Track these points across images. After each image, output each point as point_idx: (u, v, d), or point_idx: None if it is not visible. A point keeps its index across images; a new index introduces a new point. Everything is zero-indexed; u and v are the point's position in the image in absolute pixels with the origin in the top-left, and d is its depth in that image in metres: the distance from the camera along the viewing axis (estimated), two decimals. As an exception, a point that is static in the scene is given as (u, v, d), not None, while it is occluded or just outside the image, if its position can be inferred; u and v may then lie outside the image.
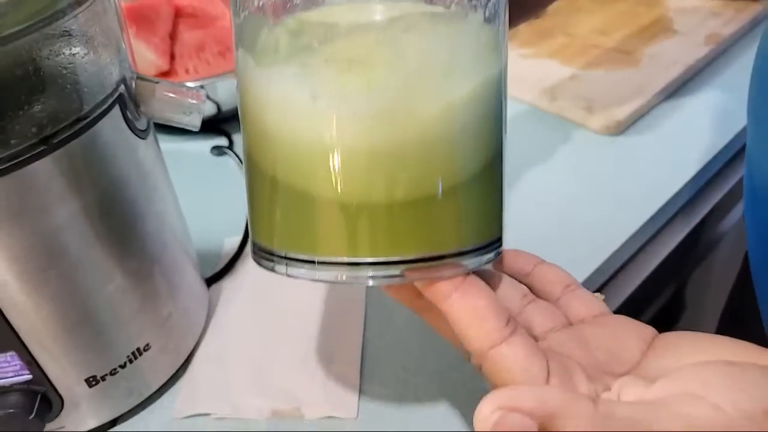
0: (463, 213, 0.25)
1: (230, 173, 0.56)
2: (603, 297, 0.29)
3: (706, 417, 0.19)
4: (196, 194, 0.44)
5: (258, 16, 0.24)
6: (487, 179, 0.26)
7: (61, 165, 0.27)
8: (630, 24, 0.70)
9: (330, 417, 0.35)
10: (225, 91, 0.59)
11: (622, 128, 0.56)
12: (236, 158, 0.57)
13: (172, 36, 0.66)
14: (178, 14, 0.68)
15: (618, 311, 0.46)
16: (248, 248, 0.47)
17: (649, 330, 0.25)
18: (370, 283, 0.24)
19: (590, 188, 0.50)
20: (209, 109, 0.59)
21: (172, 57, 0.65)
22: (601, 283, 0.47)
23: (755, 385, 0.20)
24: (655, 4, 0.74)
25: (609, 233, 0.46)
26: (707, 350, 0.23)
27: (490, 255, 0.26)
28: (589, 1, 0.76)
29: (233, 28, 0.25)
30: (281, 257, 0.25)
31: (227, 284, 0.44)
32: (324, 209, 0.24)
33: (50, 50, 0.26)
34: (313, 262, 0.24)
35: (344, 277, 0.24)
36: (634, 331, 0.25)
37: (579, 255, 0.44)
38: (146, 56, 0.61)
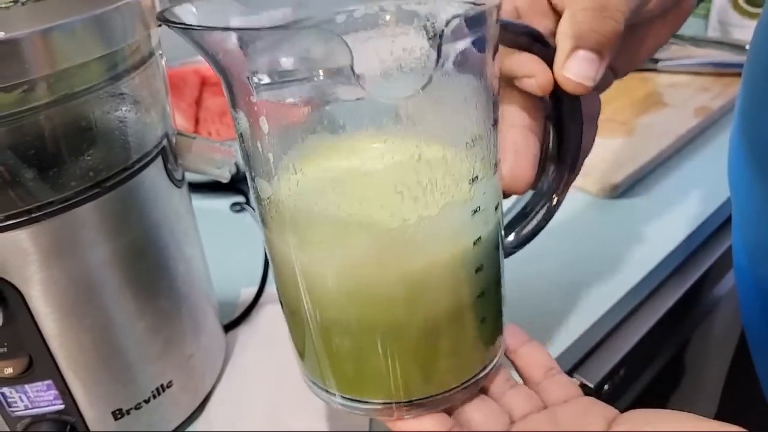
0: (480, 343, 0.29)
1: (247, 228, 0.59)
2: (578, 382, 0.33)
3: None
4: (216, 247, 0.47)
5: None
6: (478, 317, 0.29)
7: (109, 207, 0.30)
8: (624, 97, 0.75)
9: (341, 456, 0.36)
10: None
11: (618, 192, 0.60)
12: (253, 214, 0.60)
13: (198, 102, 0.71)
14: (203, 83, 0.73)
15: (615, 371, 0.48)
16: (263, 298, 0.49)
17: (612, 411, 0.28)
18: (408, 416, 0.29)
19: (586, 248, 0.53)
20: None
21: (197, 121, 0.70)
22: (596, 341, 0.49)
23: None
24: (646, 80, 0.79)
25: (603, 292, 0.48)
26: (663, 424, 0.26)
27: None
28: (585, 76, 0.81)
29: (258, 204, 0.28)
30: (334, 394, 0.30)
31: (243, 331, 0.46)
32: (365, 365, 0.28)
33: (108, 107, 0.29)
34: (365, 402, 0.29)
35: (395, 415, 0.29)
36: (599, 412, 0.28)
37: (573, 314, 0.46)
38: (174, 120, 0.66)
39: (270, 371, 0.42)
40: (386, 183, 0.24)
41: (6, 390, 0.31)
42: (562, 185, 0.34)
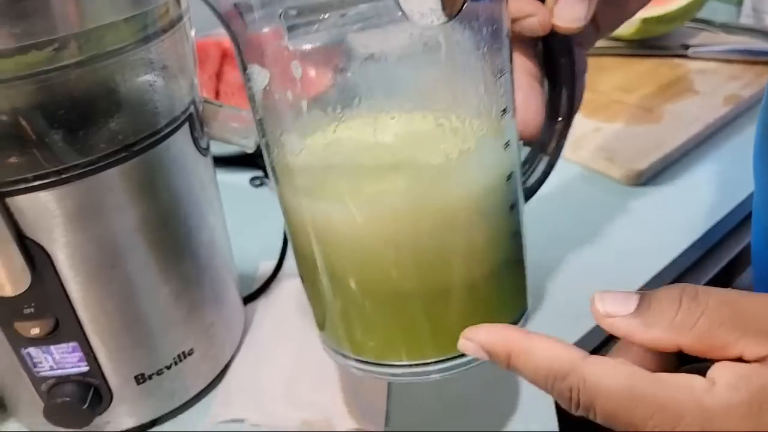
0: (500, 296, 0.28)
1: (266, 202, 0.59)
2: None
3: None
4: (236, 221, 0.47)
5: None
6: (511, 260, 0.28)
7: (135, 172, 0.30)
8: (651, 83, 0.74)
9: (358, 430, 0.36)
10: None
11: (642, 179, 0.59)
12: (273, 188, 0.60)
13: (218, 75, 0.71)
14: (224, 55, 0.72)
15: None
16: (282, 272, 0.49)
17: None
18: (437, 377, 0.28)
19: (607, 234, 0.52)
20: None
21: (217, 94, 0.70)
22: (606, 336, 0.49)
23: None
24: (676, 66, 0.78)
25: (623, 280, 0.48)
26: None
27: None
28: (612, 61, 0.80)
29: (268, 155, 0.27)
30: (351, 358, 0.29)
31: (261, 304, 0.46)
32: (382, 320, 0.27)
33: (137, 70, 0.29)
34: (383, 365, 0.28)
35: (412, 378, 0.28)
36: None
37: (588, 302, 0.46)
38: (197, 91, 0.65)
39: (288, 343, 0.43)
40: (428, 117, 0.24)
41: (32, 350, 0.31)
42: (558, 136, 0.35)
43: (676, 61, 0.79)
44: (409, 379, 0.28)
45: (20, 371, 0.32)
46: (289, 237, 0.29)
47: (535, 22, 0.30)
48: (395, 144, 0.24)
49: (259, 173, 0.63)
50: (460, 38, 0.23)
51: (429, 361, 0.28)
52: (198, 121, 0.34)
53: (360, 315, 0.28)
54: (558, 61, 0.33)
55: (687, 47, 0.79)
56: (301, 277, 0.30)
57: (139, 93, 0.30)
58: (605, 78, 0.76)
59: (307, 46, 0.23)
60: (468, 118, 0.24)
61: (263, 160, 0.67)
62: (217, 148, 0.61)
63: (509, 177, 0.27)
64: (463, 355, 0.28)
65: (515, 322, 0.30)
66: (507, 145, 0.26)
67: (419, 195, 0.24)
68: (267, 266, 0.50)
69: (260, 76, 0.24)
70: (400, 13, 0.22)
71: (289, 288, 0.48)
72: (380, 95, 0.24)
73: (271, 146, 0.26)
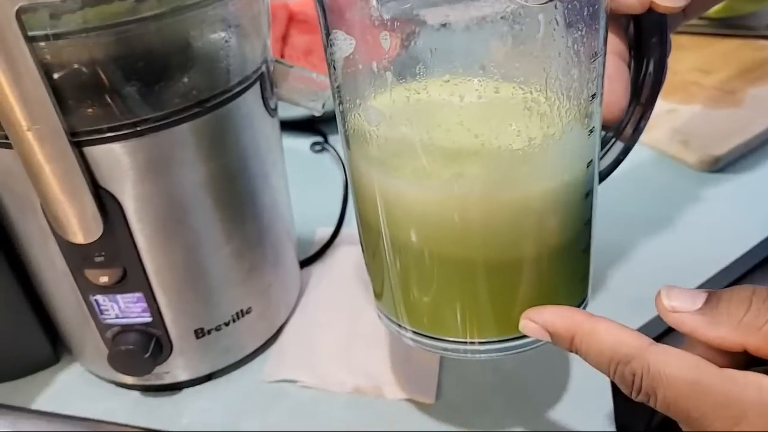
0: (564, 283, 0.28)
1: (326, 169, 0.59)
2: None
3: None
4: (295, 185, 0.47)
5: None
6: (580, 247, 0.28)
7: (206, 128, 0.30)
8: (733, 65, 0.70)
9: (409, 400, 0.36)
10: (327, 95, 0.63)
11: (719, 165, 0.56)
12: (334, 154, 0.60)
13: (284, 38, 0.71)
14: (291, 19, 0.72)
15: None
16: (339, 239, 0.49)
17: None
18: (492, 356, 0.29)
19: (679, 221, 0.50)
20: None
21: (282, 57, 0.69)
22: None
23: None
24: (761, 48, 0.73)
25: (693, 267, 0.46)
26: None
27: None
28: (690, 39, 0.76)
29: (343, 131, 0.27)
30: (407, 329, 0.29)
31: (318, 268, 0.47)
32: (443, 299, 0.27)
33: (213, 27, 0.29)
34: (437, 339, 0.28)
35: (465, 355, 0.28)
36: None
37: (660, 284, 0.44)
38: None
39: (342, 308, 0.43)
40: (515, 99, 0.23)
41: (100, 297, 0.32)
42: (637, 121, 0.33)
43: (761, 42, 0.74)
44: (462, 356, 0.29)
45: (88, 317, 0.33)
46: (354, 204, 0.29)
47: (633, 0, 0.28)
48: (478, 126, 0.23)
49: (320, 139, 0.63)
50: (559, 17, 0.22)
51: (485, 340, 0.28)
52: (268, 82, 0.34)
53: (421, 287, 0.28)
54: (649, 41, 0.31)
55: (775, 28, 0.74)
56: (362, 245, 0.30)
57: (213, 50, 0.29)
58: (683, 57, 0.72)
59: (398, 16, 0.22)
60: (557, 102, 0.23)
61: (325, 125, 0.67)
62: (280, 112, 0.62)
63: (589, 164, 0.26)
64: (519, 338, 0.28)
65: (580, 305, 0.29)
66: (591, 131, 0.25)
67: (496, 180, 0.24)
68: (325, 232, 0.50)
69: (345, 44, 0.24)
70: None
71: (345, 254, 0.48)
72: (469, 73, 0.23)
73: (348, 114, 0.26)
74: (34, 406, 0.37)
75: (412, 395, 0.36)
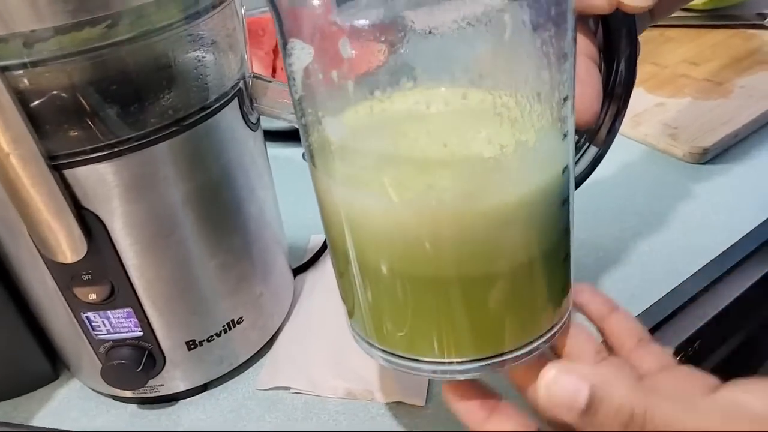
0: (544, 297, 0.27)
1: (319, 177, 0.60)
2: (672, 350, 0.30)
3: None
4: (289, 194, 0.48)
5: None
6: (559, 257, 0.27)
7: (186, 145, 0.31)
8: (722, 55, 0.70)
9: (399, 402, 0.37)
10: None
11: (707, 157, 0.56)
12: (325, 164, 0.61)
13: (275, 51, 0.72)
14: (281, 31, 0.73)
15: (689, 342, 0.45)
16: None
17: (713, 381, 0.26)
18: (460, 377, 0.27)
19: (668, 213, 0.50)
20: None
21: (274, 69, 0.70)
22: (672, 310, 0.47)
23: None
24: (750, 37, 0.73)
25: (684, 259, 0.46)
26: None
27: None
28: (679, 32, 0.76)
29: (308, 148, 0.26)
30: (378, 348, 0.29)
31: (311, 276, 0.47)
32: (411, 317, 0.26)
33: (186, 46, 0.30)
34: (411, 359, 0.27)
35: (438, 375, 0.27)
36: (699, 381, 0.26)
37: (649, 280, 0.44)
38: (252, 66, 0.66)
39: (334, 314, 0.43)
40: (485, 105, 0.22)
41: (90, 314, 0.33)
42: (614, 121, 0.33)
43: (751, 32, 0.74)
44: (441, 376, 0.28)
45: (81, 334, 0.34)
46: (322, 222, 0.28)
47: (602, 1, 0.28)
48: (446, 135, 0.22)
49: (312, 148, 0.64)
50: (526, 18, 0.22)
51: (463, 359, 0.27)
52: (247, 97, 0.35)
53: (392, 307, 0.27)
54: (618, 42, 0.31)
55: (764, 17, 0.74)
56: (333, 265, 0.30)
57: (188, 68, 0.30)
58: (671, 50, 0.72)
59: (357, 23, 0.21)
60: (528, 106, 0.22)
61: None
62: (271, 123, 0.62)
63: (564, 170, 0.25)
64: (498, 354, 0.27)
65: (557, 324, 0.28)
66: (565, 135, 0.24)
67: (468, 191, 0.23)
68: (318, 239, 0.51)
69: (302, 53, 0.23)
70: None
71: (338, 262, 0.48)
72: (433, 79, 0.22)
73: (310, 128, 0.25)
74: (35, 423, 0.38)
75: (403, 398, 0.37)
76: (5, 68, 0.24)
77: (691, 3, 0.76)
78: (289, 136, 0.65)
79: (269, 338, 0.41)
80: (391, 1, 0.22)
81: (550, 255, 0.26)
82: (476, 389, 0.28)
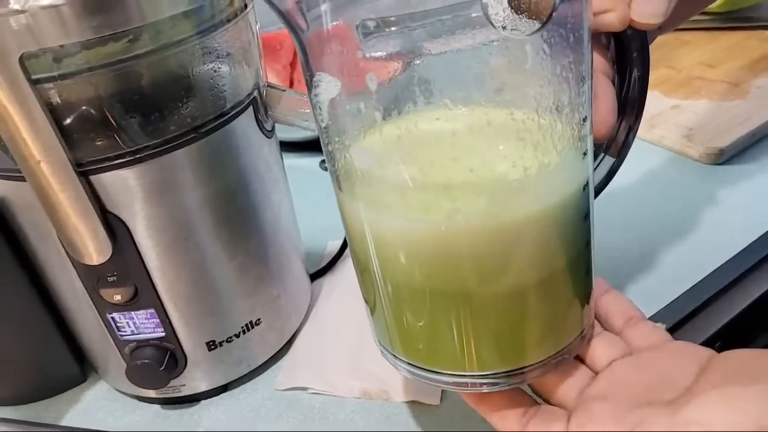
0: (566, 312, 0.28)
1: (336, 185, 0.61)
2: (665, 326, 0.31)
3: None
4: (306, 201, 0.49)
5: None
6: (581, 271, 0.28)
7: (205, 151, 0.32)
8: (739, 57, 0.70)
9: (414, 402, 0.38)
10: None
11: (723, 157, 0.56)
12: (342, 172, 0.62)
13: (292, 65, 0.74)
14: (298, 45, 0.75)
15: (709, 343, 0.45)
16: (348, 251, 0.51)
17: (706, 352, 0.26)
18: (485, 390, 0.28)
19: (685, 214, 0.50)
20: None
21: (291, 83, 0.72)
22: (690, 311, 0.47)
23: (751, 405, 0.21)
24: (767, 39, 0.73)
25: (700, 259, 0.46)
26: (754, 368, 0.24)
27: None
28: (695, 35, 0.76)
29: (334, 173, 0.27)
30: (403, 361, 0.30)
31: (328, 280, 0.48)
32: (436, 333, 0.27)
33: (203, 58, 0.31)
34: (434, 372, 0.29)
35: (460, 388, 0.28)
36: (690, 356, 0.27)
37: (669, 278, 0.45)
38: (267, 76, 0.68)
39: (351, 317, 0.44)
40: (508, 131, 0.23)
41: (116, 315, 0.34)
42: (626, 135, 0.33)
43: (767, 33, 0.74)
44: (463, 389, 0.28)
45: (107, 335, 0.36)
46: (349, 244, 0.29)
47: (613, 18, 0.29)
48: (472, 160, 0.23)
49: (329, 157, 0.65)
50: (546, 47, 0.22)
51: (486, 372, 0.28)
52: (262, 105, 0.36)
53: (414, 322, 0.27)
54: (630, 56, 0.32)
55: (780, 17, 0.74)
56: (359, 279, 0.31)
57: (205, 79, 0.32)
58: (687, 53, 0.72)
59: (383, 55, 0.22)
60: (550, 129, 0.23)
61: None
62: (288, 134, 0.64)
63: (584, 187, 0.26)
64: (521, 368, 0.28)
65: (579, 336, 0.29)
66: (585, 154, 0.25)
67: (493, 213, 0.23)
68: (334, 245, 0.52)
69: (330, 85, 0.24)
70: (483, 22, 0.21)
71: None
72: (460, 107, 0.23)
73: (337, 155, 0.26)
74: (64, 423, 0.39)
75: (417, 397, 0.38)
76: (37, 81, 0.26)
77: (708, 7, 0.76)
78: (306, 147, 0.67)
79: (287, 340, 0.42)
80: (415, 33, 0.22)
81: (572, 269, 0.27)
82: (507, 397, 0.29)
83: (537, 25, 0.21)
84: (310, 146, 0.67)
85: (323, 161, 0.64)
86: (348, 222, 0.28)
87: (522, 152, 0.23)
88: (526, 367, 0.28)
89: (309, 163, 0.65)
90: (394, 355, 0.30)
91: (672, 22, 0.34)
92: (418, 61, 0.23)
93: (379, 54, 0.22)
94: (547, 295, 0.26)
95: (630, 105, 0.33)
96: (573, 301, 0.28)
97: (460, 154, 0.23)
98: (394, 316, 0.28)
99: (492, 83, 0.23)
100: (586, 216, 0.26)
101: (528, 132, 0.23)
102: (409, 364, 0.29)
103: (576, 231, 0.26)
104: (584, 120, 0.25)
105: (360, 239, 0.27)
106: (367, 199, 0.25)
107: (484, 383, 0.28)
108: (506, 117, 0.23)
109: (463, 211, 0.23)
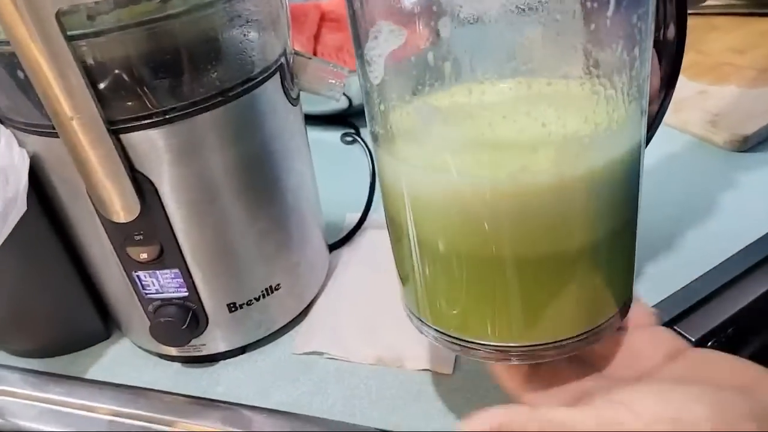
0: (610, 279, 0.27)
1: (356, 158, 0.61)
2: (654, 311, 0.31)
3: (621, 420, 0.22)
4: (327, 174, 0.49)
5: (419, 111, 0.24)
6: (632, 230, 0.27)
7: (232, 115, 0.33)
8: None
9: (427, 370, 0.38)
10: (357, 88, 0.66)
11: (748, 145, 0.55)
12: (363, 146, 0.62)
13: (316, 36, 0.74)
14: (322, 18, 0.75)
15: (722, 328, 0.45)
16: (366, 224, 0.52)
17: (682, 344, 0.27)
18: (515, 362, 0.28)
19: (706, 199, 0.50)
20: (342, 103, 0.65)
21: (314, 55, 0.72)
22: (706, 294, 0.47)
23: (682, 398, 0.22)
24: (800, 25, 0.71)
25: (719, 245, 0.46)
26: (713, 371, 0.25)
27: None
28: (725, 20, 0.74)
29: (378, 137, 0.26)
30: (431, 326, 0.29)
31: (346, 251, 0.49)
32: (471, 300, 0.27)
33: (231, 23, 0.32)
34: (459, 338, 0.28)
35: (488, 357, 0.28)
36: (663, 342, 0.27)
37: (686, 262, 0.45)
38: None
39: (367, 288, 0.45)
40: (584, 85, 0.22)
41: (141, 273, 0.35)
42: (664, 98, 0.33)
43: (800, 19, 0.72)
44: (489, 358, 0.28)
45: (132, 293, 0.37)
46: (387, 211, 0.28)
47: None
48: (545, 115, 0.22)
49: (351, 130, 0.65)
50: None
51: (512, 344, 0.27)
52: (288, 72, 0.37)
53: (448, 287, 0.27)
54: (668, 24, 0.32)
55: (814, 4, 0.72)
56: (393, 247, 0.30)
57: (234, 43, 0.32)
58: (716, 38, 0.71)
59: (459, 3, 0.21)
60: (620, 84, 0.23)
61: (355, 118, 0.68)
62: (311, 107, 0.64)
63: (640, 145, 0.25)
64: (551, 344, 0.27)
65: (618, 310, 0.28)
66: (643, 111, 0.25)
67: (562, 169, 0.23)
68: (353, 217, 0.52)
69: (392, 36, 0.23)
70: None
71: (372, 238, 0.50)
72: (530, 59, 0.22)
73: (391, 113, 0.25)
74: (88, 376, 0.41)
75: (431, 366, 0.38)
76: (71, 38, 0.26)
77: (739, -10, 0.75)
78: (328, 120, 0.67)
79: (305, 306, 0.43)
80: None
81: (628, 227, 0.27)
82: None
83: None
84: (332, 120, 0.67)
85: (345, 134, 0.65)
86: (390, 187, 0.27)
87: (595, 107, 0.23)
88: (563, 340, 0.27)
89: (331, 137, 0.65)
90: (421, 320, 0.30)
91: None
92: (496, 12, 0.21)
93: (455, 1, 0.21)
94: (601, 256, 0.26)
95: (666, 70, 0.33)
96: (620, 269, 0.27)
97: (534, 108, 0.22)
98: (429, 284, 0.28)
99: (573, 35, 0.22)
100: (639, 173, 0.26)
101: (602, 86, 0.23)
102: (436, 330, 0.29)
103: (632, 190, 0.26)
104: (647, 76, 0.24)
105: (401, 205, 0.26)
106: (420, 160, 0.24)
107: (520, 354, 0.27)
108: (583, 71, 0.22)
109: (531, 169, 0.23)
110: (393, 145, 0.26)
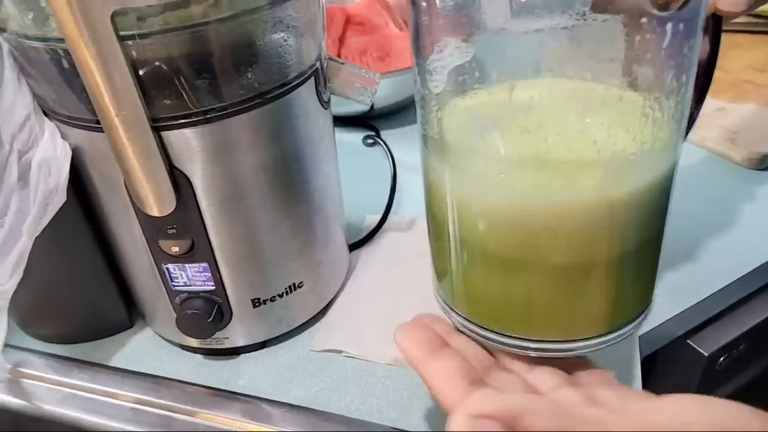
0: (636, 283, 0.29)
1: (377, 160, 0.62)
2: (612, 373, 0.31)
3: (659, 422, 0.21)
4: (348, 176, 0.50)
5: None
6: (659, 240, 0.29)
7: (267, 117, 0.34)
8: (790, 63, 0.69)
9: (444, 373, 0.39)
10: (380, 92, 0.66)
11: (766, 163, 0.56)
12: (384, 148, 0.63)
13: (341, 39, 0.75)
14: (347, 21, 0.76)
15: (735, 344, 0.45)
16: (386, 225, 0.52)
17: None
18: (532, 354, 0.29)
19: (723, 216, 0.51)
20: (364, 105, 0.66)
21: (339, 57, 0.73)
22: (719, 310, 0.47)
23: (719, 410, 0.21)
24: (821, 46, 0.72)
25: (734, 261, 0.46)
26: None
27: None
28: (746, 38, 0.75)
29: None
30: (466, 319, 0.31)
31: (365, 252, 0.50)
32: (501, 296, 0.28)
33: (273, 29, 0.33)
34: (492, 331, 0.29)
35: (520, 350, 0.29)
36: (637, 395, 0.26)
37: (701, 279, 0.45)
38: (319, 53, 0.70)
39: (386, 289, 0.46)
40: (635, 106, 0.24)
41: (171, 266, 0.36)
42: (691, 115, 0.34)
43: (822, 39, 0.73)
44: (509, 349, 0.29)
45: (160, 284, 0.38)
46: (431, 213, 0.30)
47: None
48: (598, 133, 0.24)
49: (372, 133, 0.66)
50: (681, 26, 0.23)
51: (547, 339, 0.28)
52: (322, 77, 0.38)
53: (486, 287, 0.28)
54: (703, 41, 0.33)
55: (837, 25, 0.72)
56: (431, 238, 0.31)
57: (273, 48, 0.33)
58: (737, 56, 0.71)
59: (524, 21, 0.22)
60: (668, 106, 0.24)
61: (376, 121, 0.69)
62: (336, 108, 0.65)
63: (676, 163, 0.27)
64: (579, 340, 0.28)
65: (639, 315, 0.30)
66: (682, 131, 0.26)
67: (607, 185, 0.24)
68: (373, 219, 0.53)
69: (457, 52, 0.24)
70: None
71: (391, 240, 0.51)
72: (586, 82, 0.24)
73: (445, 123, 0.26)
74: (111, 364, 0.42)
75: (447, 368, 0.39)
76: (123, 37, 0.27)
77: (761, 9, 0.75)
78: (351, 122, 0.68)
79: (325, 305, 0.44)
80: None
81: (657, 237, 0.28)
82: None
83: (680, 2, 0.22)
84: (352, 121, 0.68)
85: (367, 137, 0.65)
86: (435, 188, 0.28)
87: (643, 128, 0.24)
88: (584, 338, 0.28)
89: (353, 138, 0.66)
90: (457, 313, 0.31)
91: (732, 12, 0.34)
92: (559, 33, 0.23)
93: (519, 18, 0.22)
94: (630, 263, 0.27)
95: (696, 87, 0.34)
96: (644, 277, 0.29)
97: (587, 126, 0.24)
98: (466, 280, 0.29)
99: (631, 60, 0.24)
100: (670, 191, 0.28)
101: (651, 109, 0.24)
102: (468, 321, 0.30)
103: (665, 205, 0.27)
104: (690, 99, 0.26)
105: (445, 206, 0.28)
106: (471, 168, 0.26)
107: (539, 348, 0.28)
108: (637, 93, 0.24)
109: (578, 185, 0.24)
110: (444, 149, 0.27)
